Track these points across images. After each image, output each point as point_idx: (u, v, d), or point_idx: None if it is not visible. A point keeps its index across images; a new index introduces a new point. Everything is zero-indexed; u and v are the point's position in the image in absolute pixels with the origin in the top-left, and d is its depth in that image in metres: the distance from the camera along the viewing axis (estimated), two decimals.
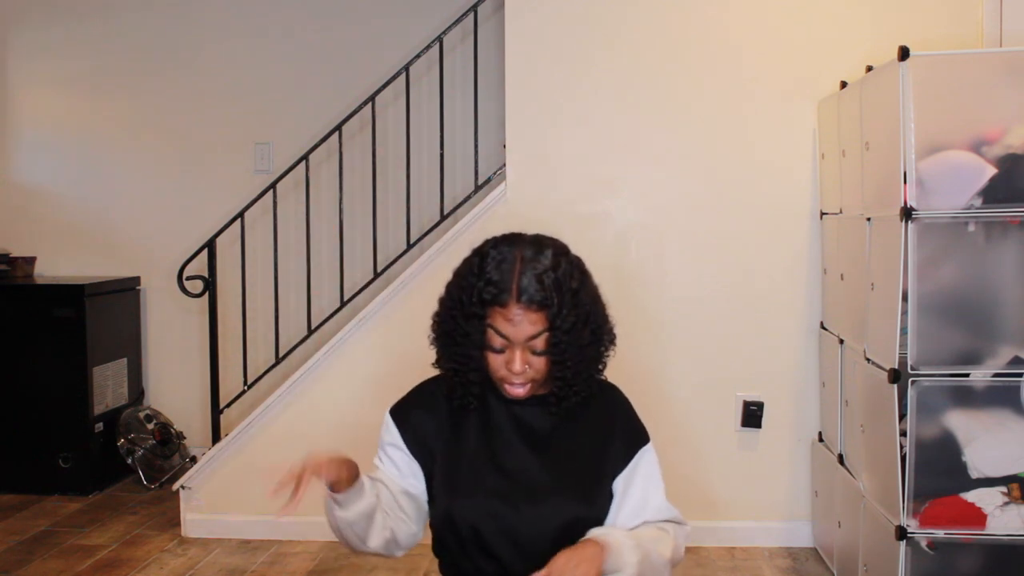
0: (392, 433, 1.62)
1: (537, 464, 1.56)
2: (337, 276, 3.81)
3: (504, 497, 1.53)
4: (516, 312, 1.46)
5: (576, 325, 1.49)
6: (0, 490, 4.03)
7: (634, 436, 1.62)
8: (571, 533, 1.51)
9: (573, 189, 3.37)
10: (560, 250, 1.54)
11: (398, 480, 1.61)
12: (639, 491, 1.58)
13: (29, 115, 4.57)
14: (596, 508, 1.56)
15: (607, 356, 1.60)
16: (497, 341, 1.49)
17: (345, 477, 1.47)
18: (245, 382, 3.76)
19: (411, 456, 1.60)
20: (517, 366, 1.49)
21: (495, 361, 1.51)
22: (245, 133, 4.38)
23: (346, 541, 1.56)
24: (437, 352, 1.59)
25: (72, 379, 4.03)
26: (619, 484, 1.58)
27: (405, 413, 1.64)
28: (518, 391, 1.53)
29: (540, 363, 1.50)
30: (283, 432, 3.46)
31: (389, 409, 1.66)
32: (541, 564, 1.45)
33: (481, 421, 1.59)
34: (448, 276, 1.58)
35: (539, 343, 1.48)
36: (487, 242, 1.55)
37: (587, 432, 1.59)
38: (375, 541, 1.54)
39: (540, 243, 1.53)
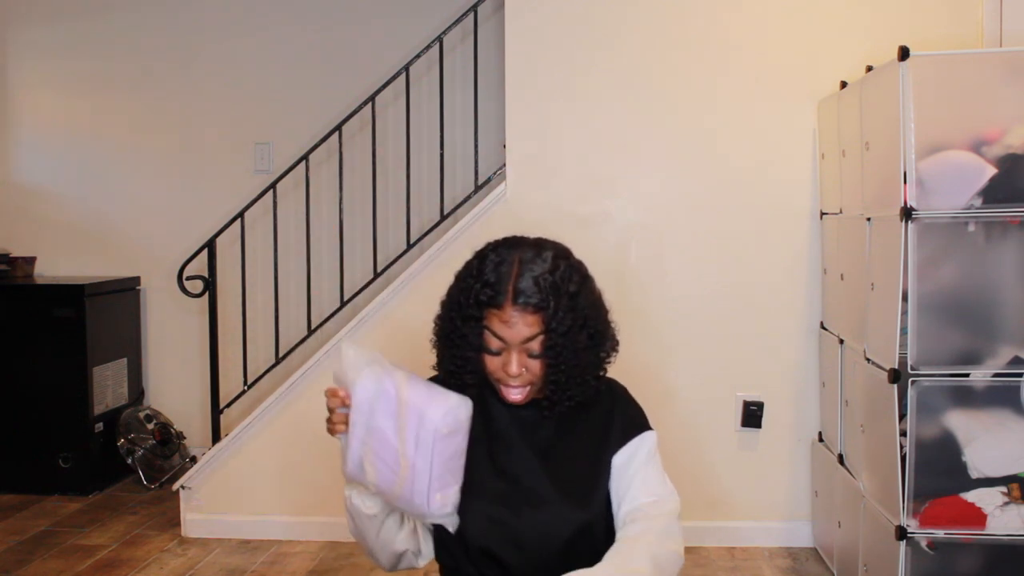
0: None
1: (539, 469, 1.54)
2: (337, 276, 3.81)
3: (506, 502, 1.52)
4: (512, 314, 1.45)
5: (572, 328, 1.47)
6: (0, 490, 4.03)
7: (632, 422, 1.59)
8: (577, 539, 1.50)
9: (573, 189, 3.37)
10: (561, 253, 1.52)
11: None
12: (634, 481, 1.54)
13: (29, 115, 4.57)
14: (598, 513, 1.54)
15: (608, 362, 1.58)
16: (493, 343, 1.48)
17: None
18: (245, 382, 3.76)
19: None
20: (513, 368, 1.48)
21: (492, 364, 1.50)
22: (245, 133, 4.38)
23: (371, 549, 1.56)
24: (437, 355, 1.58)
25: (72, 379, 4.03)
26: (615, 464, 1.55)
27: None
28: (515, 396, 1.52)
29: (537, 366, 1.49)
30: (283, 432, 3.46)
31: None
32: (547, 569, 1.44)
33: (483, 424, 1.58)
34: (448, 276, 1.57)
35: (535, 345, 1.47)
36: (488, 245, 1.54)
37: (589, 433, 1.58)
38: (400, 544, 1.54)
39: (541, 246, 1.52)
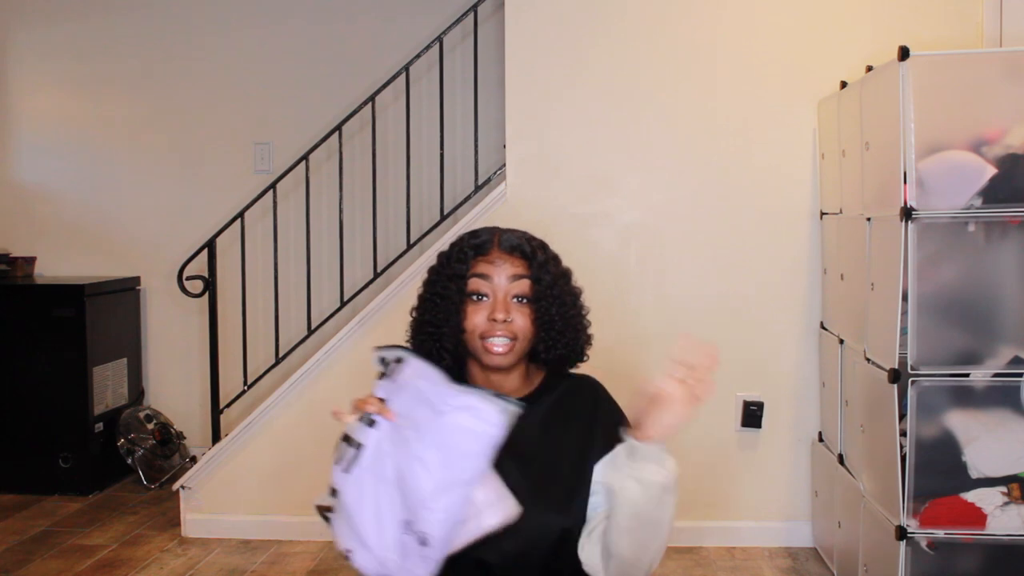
0: None
1: (518, 473, 1.50)
2: (337, 276, 3.81)
3: None
4: (498, 255, 1.51)
5: (558, 280, 1.52)
6: (0, 490, 4.03)
7: (612, 431, 1.54)
8: (559, 545, 1.47)
9: (573, 189, 3.37)
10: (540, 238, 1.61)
11: None
12: None
13: (29, 115, 4.57)
14: (580, 518, 1.51)
15: (587, 346, 1.60)
16: (480, 285, 1.50)
17: None
18: (245, 382, 3.77)
19: None
20: (500, 312, 1.48)
21: (476, 316, 1.50)
22: (245, 133, 4.38)
23: None
24: (412, 330, 1.59)
25: (72, 379, 4.03)
26: (601, 469, 1.51)
27: None
28: (499, 350, 1.50)
29: (523, 318, 1.50)
30: (283, 432, 3.46)
31: None
32: (532, 572, 1.43)
33: None
34: None
35: (522, 287, 1.50)
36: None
37: (571, 438, 1.55)
38: None
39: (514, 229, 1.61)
